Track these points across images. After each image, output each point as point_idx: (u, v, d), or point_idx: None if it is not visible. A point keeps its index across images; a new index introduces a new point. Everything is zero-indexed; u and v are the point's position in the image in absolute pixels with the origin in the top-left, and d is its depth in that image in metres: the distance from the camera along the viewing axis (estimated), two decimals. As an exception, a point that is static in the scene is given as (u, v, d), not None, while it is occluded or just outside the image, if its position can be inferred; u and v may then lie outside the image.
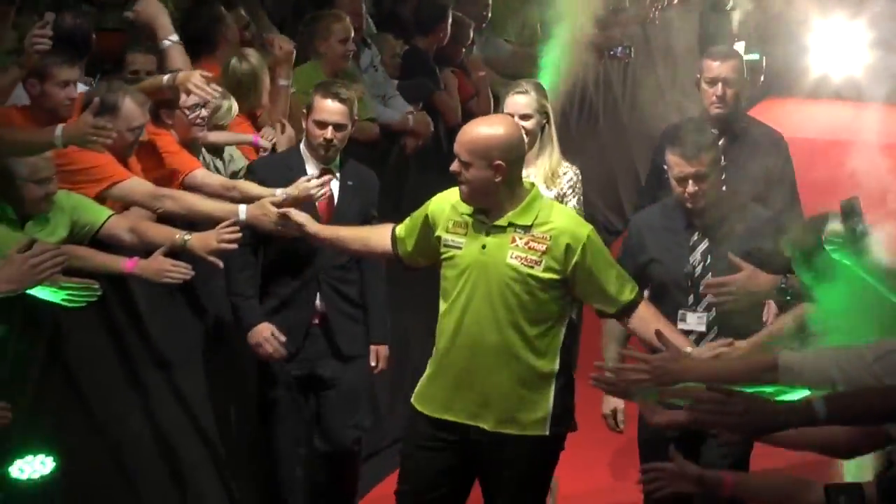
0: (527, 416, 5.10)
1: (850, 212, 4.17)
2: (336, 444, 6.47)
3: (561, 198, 6.25)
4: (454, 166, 5.04)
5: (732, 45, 15.25)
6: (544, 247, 5.01)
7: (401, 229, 5.43)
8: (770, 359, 4.10)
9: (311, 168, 6.14)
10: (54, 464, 5.17)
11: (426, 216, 5.30)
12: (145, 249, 5.63)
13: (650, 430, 5.39)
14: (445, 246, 5.17)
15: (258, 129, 7.33)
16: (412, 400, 5.33)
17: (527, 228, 5.04)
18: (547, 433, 5.13)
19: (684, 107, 15.25)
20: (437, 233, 5.22)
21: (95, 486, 5.81)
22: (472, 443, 5.16)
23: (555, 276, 5.03)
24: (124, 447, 5.97)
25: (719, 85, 6.34)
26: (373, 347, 6.45)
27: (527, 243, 5.01)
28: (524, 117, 6.21)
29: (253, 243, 6.07)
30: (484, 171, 4.98)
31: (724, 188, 5.67)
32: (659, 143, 6.56)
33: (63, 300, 5.02)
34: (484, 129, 5.07)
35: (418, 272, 5.96)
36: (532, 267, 5.01)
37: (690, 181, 5.42)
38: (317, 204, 5.99)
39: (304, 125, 6.20)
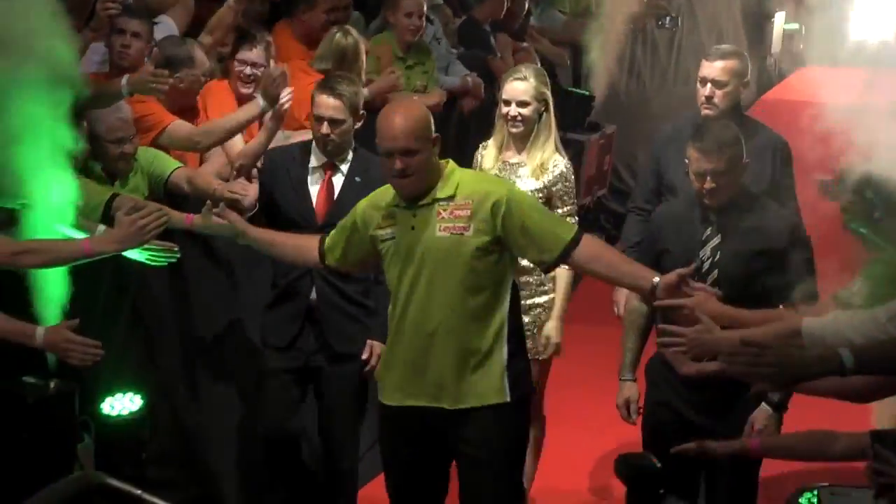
0: (483, 387, 4.76)
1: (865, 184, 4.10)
2: (332, 441, 6.00)
3: (547, 190, 5.90)
4: (398, 165, 4.64)
5: (773, 16, 15.20)
6: (468, 212, 4.68)
7: (329, 239, 5.03)
8: (795, 326, 4.15)
9: (315, 161, 5.74)
10: (142, 402, 5.27)
11: (354, 222, 4.93)
12: (198, 198, 5.70)
13: (654, 419, 5.32)
14: (382, 241, 4.82)
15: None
16: (378, 396, 4.99)
17: (450, 199, 4.71)
18: (508, 399, 4.79)
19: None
20: (372, 232, 4.84)
21: (179, 423, 5.89)
22: (438, 425, 4.82)
23: (486, 238, 4.69)
24: (201, 388, 6.15)
25: (708, 85, 5.89)
26: (369, 342, 5.81)
27: (451, 212, 4.70)
28: (522, 104, 5.86)
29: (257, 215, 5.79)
30: (427, 151, 4.69)
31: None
32: (656, 144, 6.32)
33: (147, 259, 5.16)
34: (413, 113, 4.74)
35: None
36: (461, 234, 4.68)
37: (709, 177, 5.05)
38: (314, 198, 5.70)
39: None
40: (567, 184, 5.94)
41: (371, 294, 5.78)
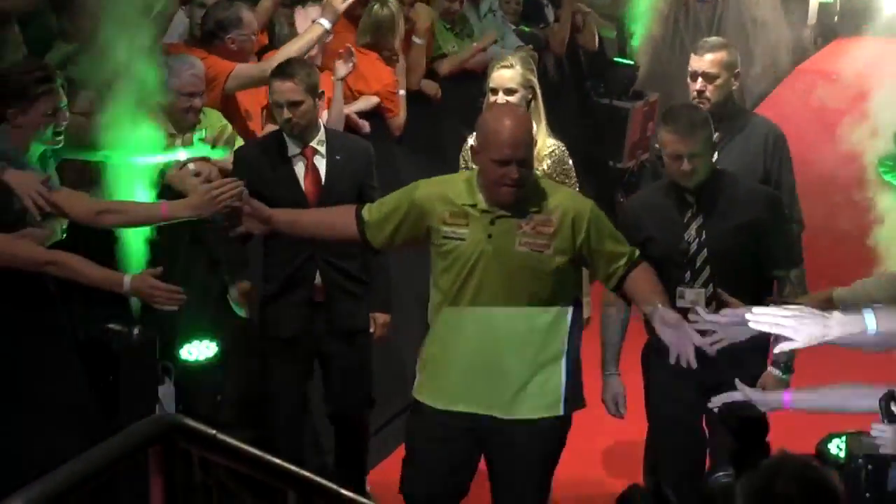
0: (540, 401, 4.48)
1: None
2: (343, 420, 5.75)
3: (546, 177, 5.20)
4: (515, 174, 4.31)
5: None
6: (552, 229, 4.36)
7: (370, 214, 4.62)
8: (825, 295, 4.22)
9: (294, 148, 5.31)
10: (217, 348, 5.32)
11: (412, 203, 4.53)
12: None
13: (662, 404, 5.08)
14: (445, 238, 4.44)
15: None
16: (414, 394, 4.65)
17: (533, 213, 4.37)
18: (561, 413, 4.53)
19: (765, 43, 15.13)
20: (432, 223, 4.47)
21: (250, 370, 5.93)
22: (482, 430, 4.53)
23: (565, 257, 4.41)
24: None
25: (699, 80, 5.47)
26: (371, 315, 5.61)
27: (534, 227, 4.37)
28: (509, 91, 5.36)
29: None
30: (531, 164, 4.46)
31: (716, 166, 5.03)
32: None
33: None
34: (528, 122, 4.51)
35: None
36: (541, 251, 4.38)
37: (685, 159, 4.71)
38: (302, 183, 5.31)
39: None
40: (565, 167, 5.46)
41: (368, 269, 5.54)
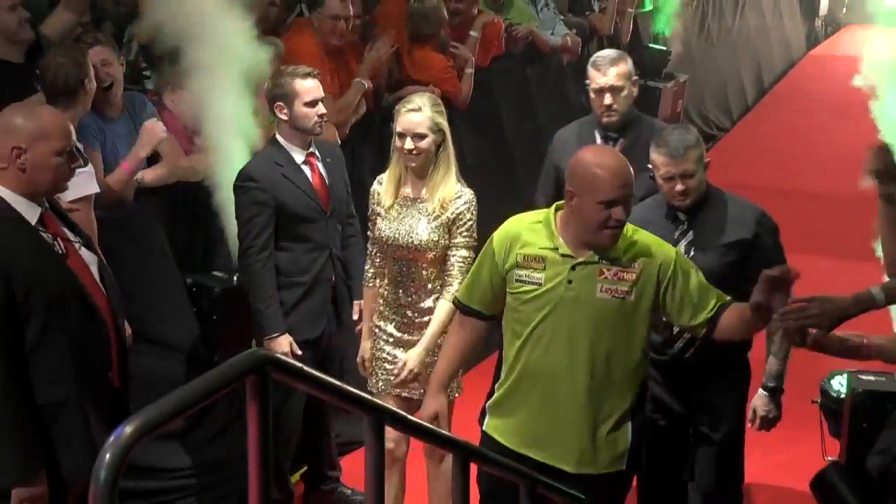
0: (607, 456, 3.71)
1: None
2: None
3: (449, 226, 4.37)
4: (620, 215, 3.59)
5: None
6: (634, 276, 3.63)
7: (473, 300, 3.87)
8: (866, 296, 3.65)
9: (299, 156, 4.73)
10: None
11: (490, 271, 3.78)
12: None
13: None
14: (518, 281, 3.70)
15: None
16: (485, 428, 3.86)
17: (616, 259, 3.64)
18: (624, 468, 3.75)
19: (781, 31, 14.94)
20: (507, 266, 3.73)
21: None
22: (549, 476, 3.69)
23: (647, 304, 3.67)
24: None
25: (607, 94, 4.83)
26: (356, 303, 4.89)
27: (615, 274, 3.63)
28: (417, 137, 4.33)
29: (270, 247, 4.69)
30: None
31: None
32: (553, 150, 5.09)
33: None
34: (627, 164, 3.68)
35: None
36: (623, 298, 3.63)
37: (679, 179, 4.24)
38: (312, 184, 4.74)
39: (283, 114, 4.69)
40: (469, 217, 4.38)
41: (348, 257, 4.94)
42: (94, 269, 3.53)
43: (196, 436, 4.88)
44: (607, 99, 4.82)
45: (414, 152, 4.34)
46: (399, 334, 4.47)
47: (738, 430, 4.39)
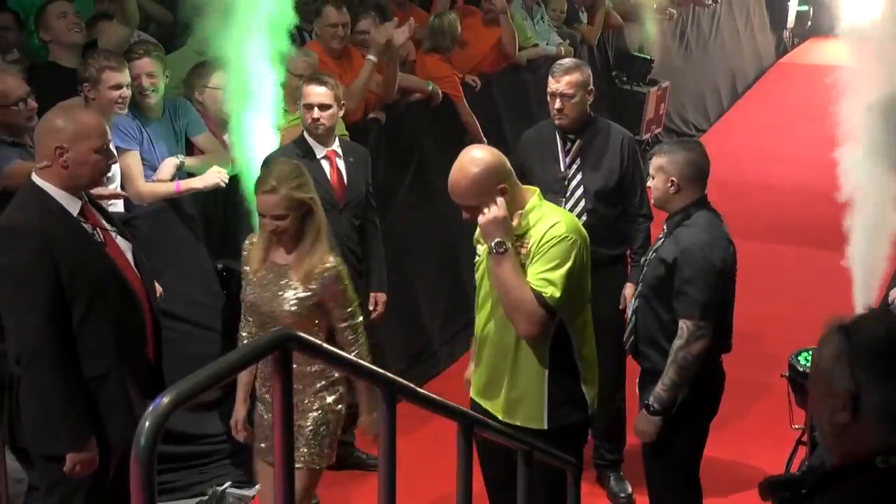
0: (524, 411, 3.61)
1: None
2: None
3: (317, 297, 3.82)
4: (464, 216, 3.54)
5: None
6: (526, 251, 3.52)
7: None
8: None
9: (319, 152, 4.74)
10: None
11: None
12: None
13: None
14: (475, 253, 3.77)
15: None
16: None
17: (519, 237, 3.52)
18: (544, 427, 3.61)
19: (753, 42, 14.89)
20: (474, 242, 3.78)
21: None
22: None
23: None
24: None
25: (558, 99, 4.76)
26: (372, 295, 4.89)
27: (518, 248, 3.52)
28: (277, 217, 3.79)
29: None
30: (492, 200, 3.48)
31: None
32: (518, 145, 5.11)
33: None
34: (471, 172, 3.45)
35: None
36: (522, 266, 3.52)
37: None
38: (331, 182, 4.73)
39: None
40: (340, 287, 3.85)
41: (366, 249, 4.93)
42: (128, 256, 3.55)
43: (227, 405, 4.89)
44: (557, 104, 4.77)
45: (277, 230, 3.79)
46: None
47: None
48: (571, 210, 4.68)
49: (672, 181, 3.94)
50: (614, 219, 4.85)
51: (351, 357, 2.47)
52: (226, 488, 4.87)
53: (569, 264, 3.45)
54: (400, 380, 2.62)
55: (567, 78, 4.76)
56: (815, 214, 8.61)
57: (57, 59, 5.22)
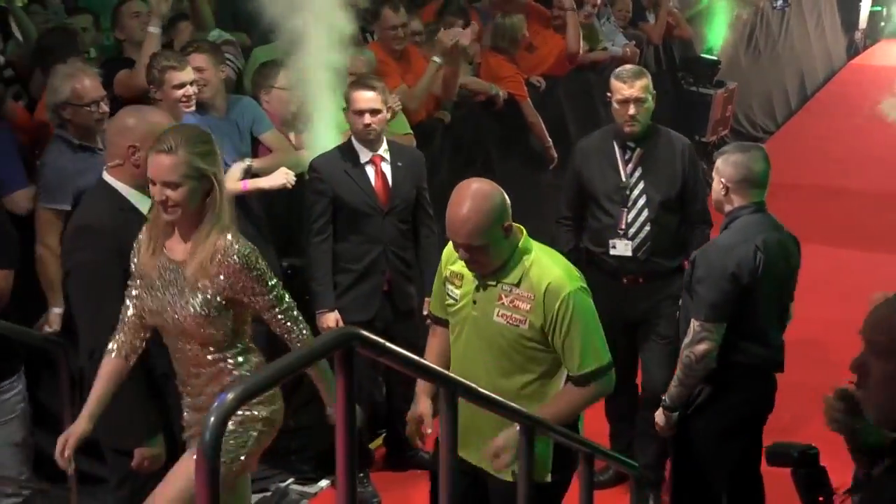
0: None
1: None
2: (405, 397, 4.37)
3: (225, 294, 3.17)
4: (462, 255, 3.29)
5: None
6: (529, 305, 3.26)
7: (436, 308, 3.65)
8: None
9: (364, 156, 4.70)
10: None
11: (440, 271, 3.56)
12: None
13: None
14: (447, 294, 3.47)
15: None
16: None
17: (514, 285, 3.29)
18: (548, 480, 3.39)
19: (823, 43, 14.65)
20: (443, 279, 3.52)
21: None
22: (480, 478, 3.47)
23: (540, 334, 3.29)
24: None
25: (632, 105, 4.60)
26: (427, 299, 4.67)
27: (512, 301, 3.28)
28: (168, 185, 3.12)
29: (326, 232, 4.68)
30: (499, 242, 3.27)
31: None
32: (573, 154, 4.95)
33: None
34: (479, 207, 3.22)
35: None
36: (517, 326, 3.29)
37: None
38: (374, 186, 4.69)
39: (347, 118, 4.73)
40: (250, 274, 3.17)
41: (421, 256, 4.87)
42: None
43: (291, 402, 4.91)
44: (632, 109, 4.61)
45: (168, 203, 3.14)
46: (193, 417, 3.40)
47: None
48: (633, 221, 4.63)
49: (722, 183, 3.91)
50: (675, 228, 4.75)
51: (412, 356, 2.45)
52: (288, 485, 4.92)
53: (592, 320, 3.30)
54: (460, 379, 2.61)
55: (639, 83, 4.64)
56: (887, 219, 8.44)
57: (130, 57, 5.31)
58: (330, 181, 4.65)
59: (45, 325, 4.27)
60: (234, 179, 4.87)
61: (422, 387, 3.64)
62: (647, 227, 4.61)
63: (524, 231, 3.36)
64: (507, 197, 3.29)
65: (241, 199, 4.94)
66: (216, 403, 1.74)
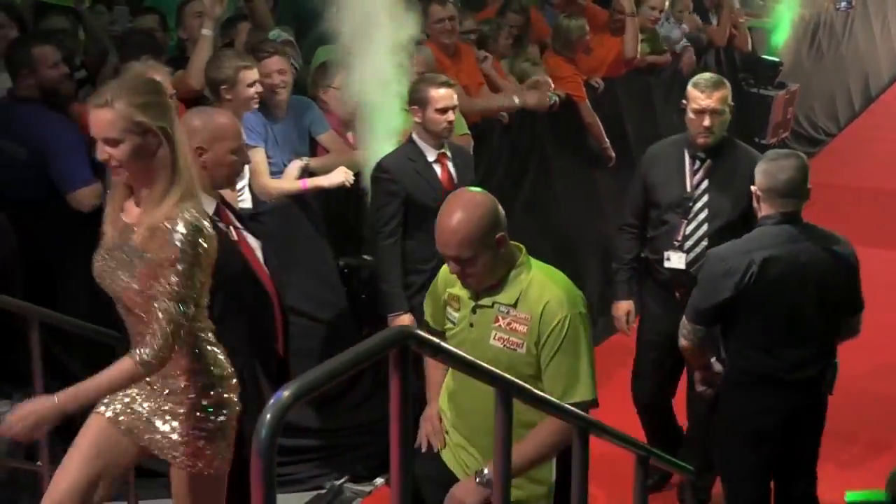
0: (528, 490, 3.20)
1: None
2: None
3: (152, 262, 2.81)
4: (453, 268, 3.15)
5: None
6: (526, 328, 3.11)
7: (435, 321, 3.45)
8: None
9: (431, 155, 4.69)
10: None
11: (436, 291, 3.43)
12: None
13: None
14: (447, 318, 3.34)
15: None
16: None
17: (511, 306, 3.14)
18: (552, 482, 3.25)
19: (889, 45, 14.38)
20: (442, 302, 3.38)
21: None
22: None
23: (536, 359, 3.14)
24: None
25: (707, 116, 4.41)
26: None
27: (509, 324, 3.13)
28: (110, 142, 2.81)
29: (397, 234, 4.62)
30: (491, 254, 3.11)
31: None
32: (641, 162, 4.80)
33: None
34: (471, 217, 3.08)
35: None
36: (514, 350, 3.13)
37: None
38: (441, 181, 4.67)
39: (417, 117, 4.66)
40: (188, 254, 2.79)
41: None
42: (258, 254, 3.58)
43: (348, 400, 4.95)
44: (707, 121, 4.42)
45: (112, 163, 2.84)
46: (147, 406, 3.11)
47: None
48: (692, 234, 4.49)
49: (753, 190, 3.84)
50: None
51: (468, 357, 2.45)
52: (343, 483, 4.94)
53: (587, 351, 3.11)
54: (514, 380, 2.60)
55: (717, 93, 4.44)
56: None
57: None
58: (402, 181, 4.61)
59: None
60: (291, 178, 4.91)
61: (430, 394, 3.51)
62: (704, 242, 4.43)
63: (523, 249, 3.20)
64: (500, 207, 3.11)
65: (300, 198, 4.99)
66: (272, 401, 1.75)
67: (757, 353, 3.77)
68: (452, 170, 4.75)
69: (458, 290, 3.25)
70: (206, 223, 2.86)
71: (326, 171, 4.96)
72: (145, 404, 3.07)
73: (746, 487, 3.92)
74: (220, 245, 3.34)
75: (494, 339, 3.16)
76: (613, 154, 7.10)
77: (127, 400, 3.09)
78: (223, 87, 4.64)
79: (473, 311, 3.20)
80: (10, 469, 4.15)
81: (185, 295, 2.81)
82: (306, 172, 4.96)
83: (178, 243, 2.78)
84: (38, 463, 3.76)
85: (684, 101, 4.52)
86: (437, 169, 4.73)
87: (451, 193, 3.26)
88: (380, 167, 4.67)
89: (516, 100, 6.27)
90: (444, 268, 3.31)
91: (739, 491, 3.94)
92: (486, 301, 3.18)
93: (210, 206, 3.40)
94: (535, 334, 3.08)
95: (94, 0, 6.53)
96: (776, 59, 9.97)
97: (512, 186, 6.25)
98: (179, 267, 2.79)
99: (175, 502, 3.10)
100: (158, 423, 3.04)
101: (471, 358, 2.48)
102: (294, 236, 4.95)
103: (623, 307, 4.73)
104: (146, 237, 2.81)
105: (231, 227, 3.48)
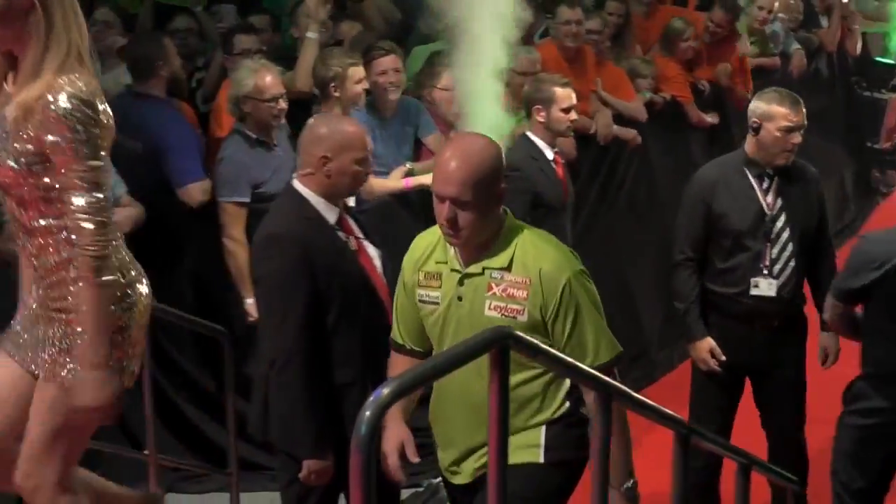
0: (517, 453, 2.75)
1: None
2: None
3: (36, 144, 2.51)
4: (446, 212, 2.78)
5: None
6: (525, 292, 2.81)
7: (399, 336, 3.11)
8: None
9: (548, 152, 4.73)
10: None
11: (403, 286, 3.05)
12: None
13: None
14: (421, 302, 2.96)
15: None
16: None
17: (504, 269, 2.84)
18: (541, 461, 2.91)
19: None
20: (412, 288, 2.99)
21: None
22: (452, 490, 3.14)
23: (540, 325, 2.82)
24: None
25: (797, 133, 4.10)
26: None
27: (505, 290, 2.83)
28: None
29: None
30: (489, 206, 2.83)
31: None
32: (695, 185, 4.30)
33: None
34: (474, 156, 2.80)
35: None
36: (514, 318, 2.81)
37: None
38: (560, 179, 4.78)
39: (541, 116, 4.67)
40: (60, 129, 2.46)
41: None
42: (377, 263, 3.51)
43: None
44: (797, 138, 4.10)
45: None
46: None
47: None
48: (778, 257, 4.18)
49: None
50: (806, 267, 4.29)
51: (567, 359, 2.42)
52: (440, 481, 4.94)
53: (598, 304, 2.89)
54: (616, 384, 2.57)
55: (804, 109, 4.15)
56: None
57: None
58: (531, 178, 4.61)
59: (248, 317, 4.31)
60: (395, 178, 4.93)
61: (391, 414, 2.97)
62: (793, 263, 4.16)
63: (509, 212, 2.94)
64: (504, 157, 2.89)
65: (403, 197, 5.00)
66: (371, 398, 1.76)
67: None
68: (563, 169, 4.81)
69: (435, 265, 2.94)
70: (100, 94, 2.50)
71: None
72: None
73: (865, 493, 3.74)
74: (339, 255, 3.35)
75: (490, 308, 2.84)
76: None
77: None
78: (332, 84, 4.68)
79: (461, 282, 2.87)
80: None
81: (93, 179, 2.49)
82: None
83: (64, 121, 2.44)
84: (145, 452, 3.83)
85: (756, 120, 4.13)
86: (555, 167, 4.78)
87: (456, 133, 3.11)
88: (509, 164, 4.64)
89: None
90: (409, 251, 3.04)
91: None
92: (474, 269, 2.86)
93: (332, 216, 3.37)
94: (539, 298, 2.81)
95: (209, 0, 6.66)
96: (891, 62, 9.74)
97: (615, 184, 6.26)
98: (77, 148, 2.44)
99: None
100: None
101: (569, 359, 2.44)
102: (395, 235, 4.94)
103: (705, 346, 4.26)
104: (18, 116, 2.48)
105: (351, 237, 3.43)
